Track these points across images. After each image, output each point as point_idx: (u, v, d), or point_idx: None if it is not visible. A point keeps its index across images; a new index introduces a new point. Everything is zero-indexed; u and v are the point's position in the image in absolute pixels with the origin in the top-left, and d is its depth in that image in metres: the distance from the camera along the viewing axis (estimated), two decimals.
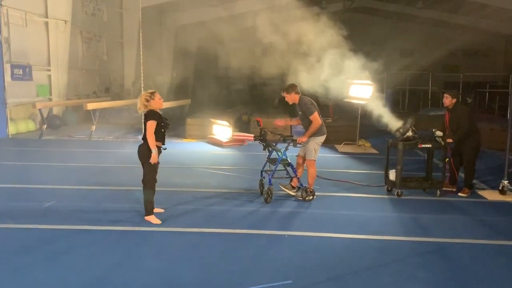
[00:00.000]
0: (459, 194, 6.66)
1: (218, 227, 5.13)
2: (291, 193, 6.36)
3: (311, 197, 6.19)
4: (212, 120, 11.72)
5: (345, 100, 10.72)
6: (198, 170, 8.17)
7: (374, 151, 10.59)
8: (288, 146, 6.16)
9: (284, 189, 6.42)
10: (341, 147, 10.91)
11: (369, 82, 10.43)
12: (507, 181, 6.67)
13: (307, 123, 6.26)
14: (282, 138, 6.20)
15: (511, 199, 6.53)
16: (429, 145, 6.49)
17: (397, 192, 6.47)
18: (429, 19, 23.30)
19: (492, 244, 4.83)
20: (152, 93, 5.16)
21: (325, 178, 7.26)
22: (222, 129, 11.34)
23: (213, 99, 16.63)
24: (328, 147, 10.59)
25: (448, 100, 6.63)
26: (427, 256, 4.46)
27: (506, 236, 5.06)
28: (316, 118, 6.14)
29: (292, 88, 6.27)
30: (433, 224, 5.44)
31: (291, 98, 6.29)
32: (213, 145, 11.08)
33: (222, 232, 5.00)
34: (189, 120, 12.37)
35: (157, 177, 5.27)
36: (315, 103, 6.30)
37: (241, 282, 3.82)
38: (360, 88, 10.66)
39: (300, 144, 6.16)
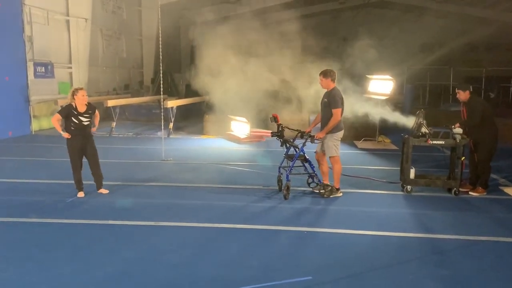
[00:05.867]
0: (470, 193, 6.37)
1: (237, 222, 5.15)
2: (317, 190, 6.26)
3: (330, 194, 6.14)
4: (230, 116, 11.73)
5: (365, 95, 10.58)
6: (216, 166, 8.20)
7: (394, 147, 10.44)
8: (305, 142, 6.11)
9: (315, 190, 6.31)
10: (360, 143, 10.79)
11: (388, 77, 10.30)
12: None
13: (327, 114, 6.10)
14: (299, 134, 6.15)
15: None
16: (441, 142, 6.30)
17: (406, 188, 6.40)
18: (450, 13, 22.76)
19: None
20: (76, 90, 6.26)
21: (344, 175, 7.19)
22: (240, 126, 11.35)
23: (231, 96, 16.59)
24: (347, 143, 10.49)
25: (462, 95, 6.37)
26: (449, 254, 4.38)
27: None
28: (337, 113, 6.02)
29: (330, 74, 6.12)
30: (455, 222, 5.33)
31: (326, 83, 6.12)
32: (231, 141, 11.10)
33: (241, 228, 5.01)
34: (207, 116, 12.41)
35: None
36: (343, 100, 6.15)
37: (260, 278, 3.82)
38: (380, 83, 10.54)
39: (317, 140, 6.11)
